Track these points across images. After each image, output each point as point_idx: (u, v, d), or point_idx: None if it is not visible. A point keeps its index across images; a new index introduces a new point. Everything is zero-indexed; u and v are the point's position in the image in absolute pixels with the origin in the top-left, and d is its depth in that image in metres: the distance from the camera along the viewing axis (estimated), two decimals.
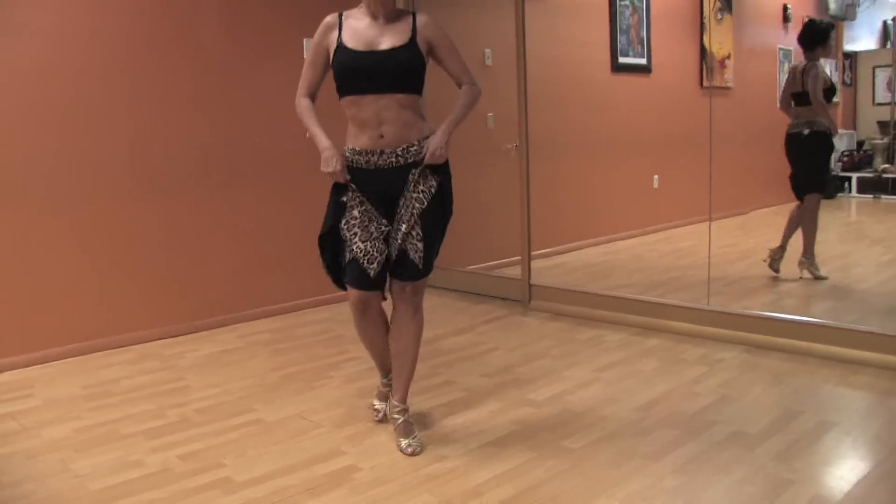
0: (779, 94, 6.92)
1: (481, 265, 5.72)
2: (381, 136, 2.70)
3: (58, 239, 4.07)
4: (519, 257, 5.15)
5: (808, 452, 2.69)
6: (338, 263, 2.85)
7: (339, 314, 4.92)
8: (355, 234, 2.76)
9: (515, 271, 5.22)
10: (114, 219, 4.26)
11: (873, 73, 6.14)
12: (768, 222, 7.21)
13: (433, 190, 2.77)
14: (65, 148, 4.06)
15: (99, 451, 2.90)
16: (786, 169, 5.42)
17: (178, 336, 4.49)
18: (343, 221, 2.78)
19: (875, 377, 3.44)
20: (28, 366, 3.98)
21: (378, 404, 3.14)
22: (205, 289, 4.63)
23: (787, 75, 5.65)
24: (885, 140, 6.06)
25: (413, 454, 2.80)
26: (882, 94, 6.13)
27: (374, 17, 2.73)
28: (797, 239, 5.26)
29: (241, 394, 3.51)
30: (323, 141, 2.74)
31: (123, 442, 2.98)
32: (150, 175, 4.37)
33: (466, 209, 5.64)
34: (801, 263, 5.20)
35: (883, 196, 6.24)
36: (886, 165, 6.12)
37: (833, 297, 5.06)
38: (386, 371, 3.10)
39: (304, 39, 4.87)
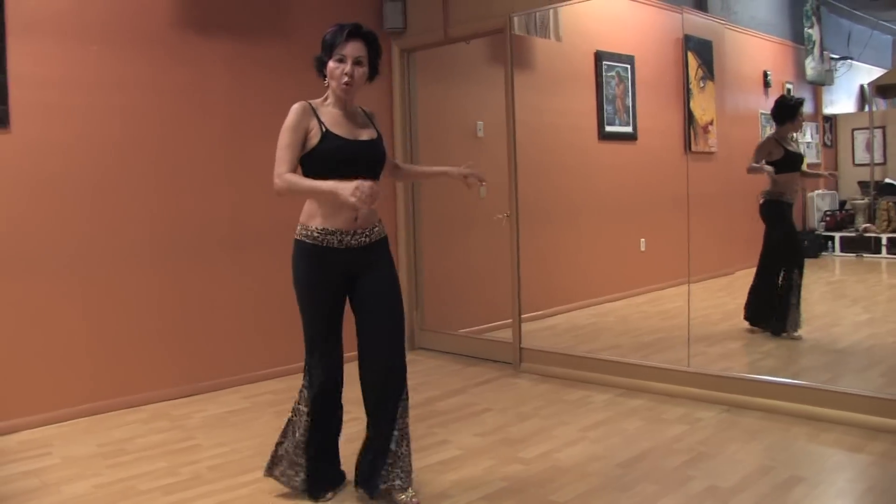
0: None
1: (473, 328, 5.85)
2: (356, 219, 2.94)
3: (72, 304, 4.31)
4: (510, 321, 5.30)
5: None
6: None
7: None
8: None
9: (507, 334, 5.37)
10: (125, 285, 4.49)
11: (852, 135, 6.32)
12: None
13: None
14: (82, 219, 4.32)
15: None
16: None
17: (185, 397, 4.68)
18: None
19: (844, 434, 3.66)
20: (45, 425, 4.17)
21: None
22: (211, 351, 4.85)
23: None
24: (866, 200, 6.24)
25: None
26: (861, 155, 6.29)
27: (343, 108, 2.97)
28: (810, 301, 5.48)
29: (249, 452, 3.71)
30: (330, 182, 2.78)
31: (141, 498, 3.18)
32: (160, 244, 4.62)
33: (459, 275, 5.89)
34: None
35: (865, 254, 6.42)
36: (868, 224, 6.30)
37: (809, 356, 5.26)
38: None
39: None
